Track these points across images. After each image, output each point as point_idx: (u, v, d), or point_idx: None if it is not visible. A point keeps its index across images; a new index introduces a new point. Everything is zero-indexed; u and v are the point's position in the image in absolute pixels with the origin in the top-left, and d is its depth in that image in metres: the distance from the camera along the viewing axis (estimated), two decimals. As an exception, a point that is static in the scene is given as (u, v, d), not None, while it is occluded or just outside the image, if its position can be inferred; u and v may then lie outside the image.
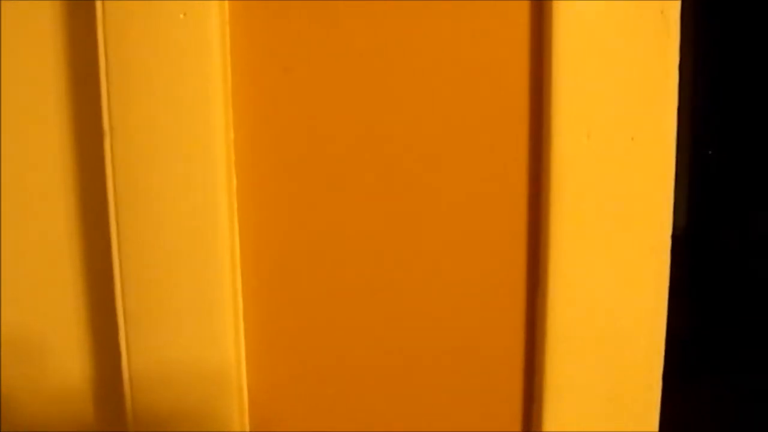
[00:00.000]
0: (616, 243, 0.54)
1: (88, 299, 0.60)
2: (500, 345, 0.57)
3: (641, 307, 0.55)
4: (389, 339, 0.57)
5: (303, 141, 0.55)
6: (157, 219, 0.53)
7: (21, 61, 0.56)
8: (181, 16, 0.51)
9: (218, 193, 0.53)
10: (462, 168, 0.54)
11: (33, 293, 0.60)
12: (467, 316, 0.57)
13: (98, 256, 0.59)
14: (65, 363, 0.61)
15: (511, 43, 0.53)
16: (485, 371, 0.58)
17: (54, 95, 0.57)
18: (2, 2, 0.55)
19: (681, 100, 0.53)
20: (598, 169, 0.53)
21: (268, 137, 0.55)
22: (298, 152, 0.55)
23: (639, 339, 0.55)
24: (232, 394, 0.56)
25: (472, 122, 0.54)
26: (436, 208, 0.55)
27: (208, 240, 0.54)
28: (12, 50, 0.56)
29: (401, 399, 0.58)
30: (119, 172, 0.53)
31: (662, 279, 0.55)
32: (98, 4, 0.51)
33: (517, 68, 0.53)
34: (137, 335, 0.55)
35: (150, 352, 0.55)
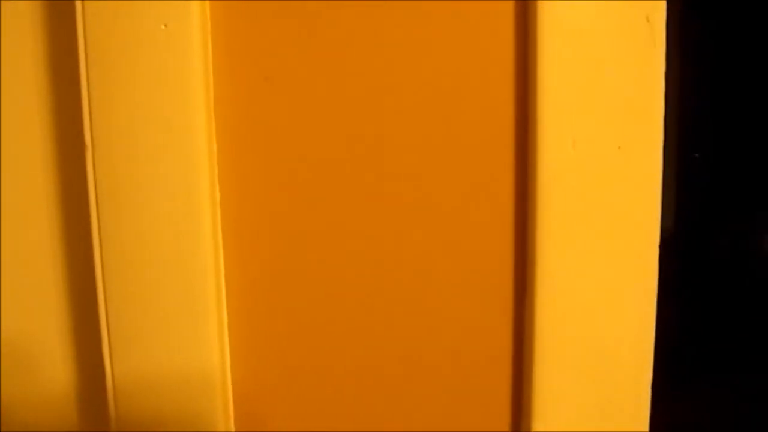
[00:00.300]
0: (604, 250, 0.54)
1: (71, 306, 0.60)
2: (488, 348, 0.57)
3: (629, 312, 0.55)
4: (375, 341, 0.57)
5: (286, 149, 0.54)
6: (140, 226, 0.53)
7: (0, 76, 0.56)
8: (163, 27, 0.51)
9: (201, 199, 0.53)
10: (447, 176, 0.54)
11: (16, 301, 0.60)
12: (454, 320, 0.56)
13: (81, 263, 0.58)
14: (49, 369, 0.61)
15: (496, 51, 0.53)
16: (473, 373, 0.58)
17: (35, 108, 0.56)
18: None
19: (667, 101, 0.53)
20: (584, 177, 0.52)
21: (250, 146, 0.55)
22: (281, 160, 0.55)
23: (628, 343, 0.55)
24: (216, 397, 0.56)
25: (457, 130, 0.54)
26: (422, 216, 0.55)
27: (191, 246, 0.53)
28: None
29: (387, 400, 0.58)
30: (101, 183, 0.53)
31: (650, 285, 0.55)
32: (78, 16, 0.51)
33: (501, 76, 0.53)
34: (120, 341, 0.55)
35: (133, 357, 0.55)
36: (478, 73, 0.53)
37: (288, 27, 0.53)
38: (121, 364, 0.55)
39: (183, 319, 0.54)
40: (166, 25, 0.51)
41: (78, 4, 0.51)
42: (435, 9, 0.52)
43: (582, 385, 0.55)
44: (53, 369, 0.61)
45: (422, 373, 0.58)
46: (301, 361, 0.58)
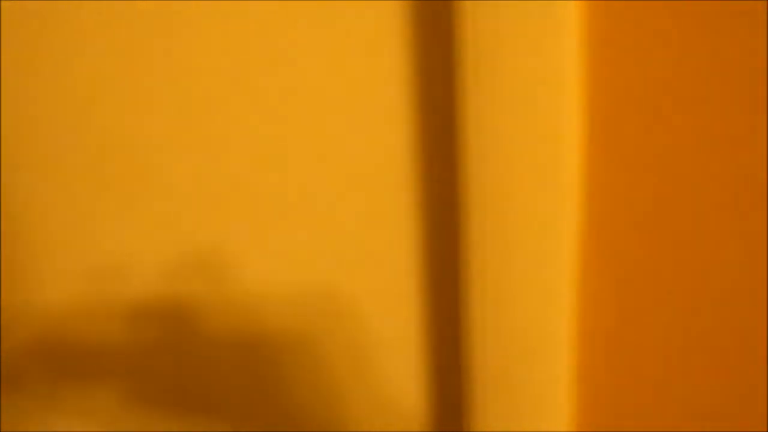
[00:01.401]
0: None
1: (431, 303, 0.62)
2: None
3: None
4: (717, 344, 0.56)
5: (657, 147, 0.53)
6: (505, 230, 0.54)
7: (371, 66, 0.58)
8: (539, 28, 0.50)
9: (565, 202, 0.53)
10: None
11: (378, 300, 0.63)
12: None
13: (444, 265, 0.61)
14: (404, 372, 0.64)
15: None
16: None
17: (404, 108, 0.58)
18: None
19: None
20: None
21: (619, 155, 0.54)
22: (651, 160, 0.53)
23: None
24: (560, 401, 0.57)
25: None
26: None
27: (552, 250, 0.54)
28: (360, 56, 0.58)
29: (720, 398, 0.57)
30: (470, 184, 0.54)
31: None
32: (457, 19, 0.52)
33: None
34: (480, 343, 0.57)
35: (491, 353, 0.57)
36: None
37: (666, 20, 0.51)
38: (479, 358, 0.57)
39: (538, 322, 0.56)
40: (541, 26, 0.51)
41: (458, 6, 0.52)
42: None
43: None
44: (408, 373, 0.65)
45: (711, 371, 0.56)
46: (644, 360, 0.57)
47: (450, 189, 0.59)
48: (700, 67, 0.52)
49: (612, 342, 0.58)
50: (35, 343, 0.72)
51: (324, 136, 0.61)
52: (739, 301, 0.54)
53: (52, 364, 0.72)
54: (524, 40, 0.51)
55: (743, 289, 0.54)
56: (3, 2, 0.62)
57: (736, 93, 0.51)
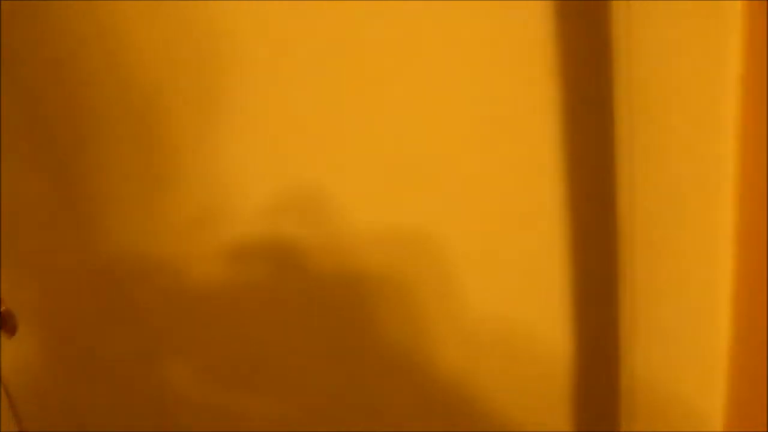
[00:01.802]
0: None
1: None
2: None
3: None
4: None
5: None
6: (666, 224, 0.55)
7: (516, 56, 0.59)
8: (700, 26, 0.50)
9: (723, 199, 0.53)
10: None
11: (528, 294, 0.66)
12: None
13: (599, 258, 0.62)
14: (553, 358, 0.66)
15: None
16: None
17: (549, 105, 0.59)
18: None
19: None
20: None
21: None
22: None
23: None
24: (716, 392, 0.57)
25: None
26: None
27: (710, 244, 0.54)
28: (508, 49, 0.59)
29: None
30: (635, 178, 0.54)
31: None
32: (615, 19, 0.51)
33: None
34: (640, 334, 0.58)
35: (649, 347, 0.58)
36: None
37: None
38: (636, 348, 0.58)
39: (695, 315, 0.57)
40: (703, 25, 0.50)
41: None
42: None
43: None
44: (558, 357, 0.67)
45: None
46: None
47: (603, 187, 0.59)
48: None
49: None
50: (149, 286, 0.74)
51: (440, 89, 0.62)
52: None
53: (163, 306, 0.74)
54: (680, 35, 0.50)
55: None
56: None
57: None
